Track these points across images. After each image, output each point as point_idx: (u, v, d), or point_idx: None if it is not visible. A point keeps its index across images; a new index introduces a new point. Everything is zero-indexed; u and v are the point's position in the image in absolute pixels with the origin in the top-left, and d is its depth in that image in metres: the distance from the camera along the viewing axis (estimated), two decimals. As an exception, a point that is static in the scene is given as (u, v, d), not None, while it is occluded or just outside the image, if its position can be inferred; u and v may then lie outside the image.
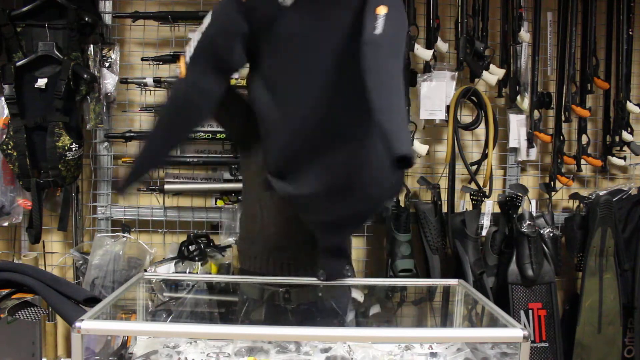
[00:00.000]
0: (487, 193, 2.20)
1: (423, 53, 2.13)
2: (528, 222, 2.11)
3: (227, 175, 2.21)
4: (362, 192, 1.22)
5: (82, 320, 1.01)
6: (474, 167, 2.27)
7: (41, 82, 1.99)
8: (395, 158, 0.95)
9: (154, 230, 2.24)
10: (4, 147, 1.98)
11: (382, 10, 1.08)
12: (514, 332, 1.04)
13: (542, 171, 2.41)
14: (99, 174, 2.21)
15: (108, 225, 2.20)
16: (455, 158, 2.21)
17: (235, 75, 2.05)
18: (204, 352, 1.29)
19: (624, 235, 2.24)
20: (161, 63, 2.13)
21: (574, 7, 2.23)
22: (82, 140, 2.06)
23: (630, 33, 2.29)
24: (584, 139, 2.33)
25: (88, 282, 1.99)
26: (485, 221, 2.22)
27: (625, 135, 2.32)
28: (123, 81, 2.13)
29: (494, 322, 1.19)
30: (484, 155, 2.25)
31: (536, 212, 2.22)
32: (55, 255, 2.24)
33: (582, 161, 2.35)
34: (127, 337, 1.33)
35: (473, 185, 2.23)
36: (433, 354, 1.31)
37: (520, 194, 2.15)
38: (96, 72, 2.07)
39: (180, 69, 1.23)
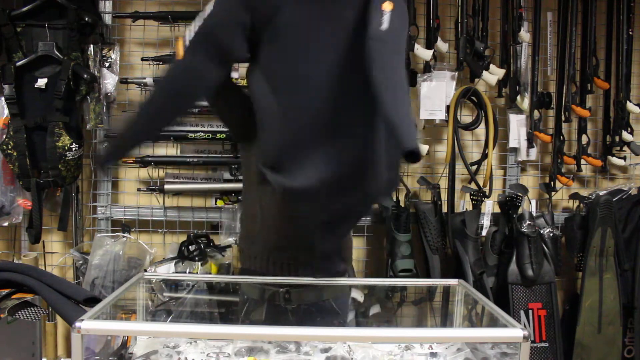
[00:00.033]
0: (487, 193, 2.20)
1: (423, 53, 2.13)
2: (528, 222, 2.11)
3: (227, 175, 2.21)
4: (359, 187, 1.22)
5: (82, 320, 1.01)
6: (474, 167, 2.27)
7: (41, 82, 1.99)
8: (405, 152, 0.97)
9: (154, 230, 2.24)
10: (4, 147, 1.98)
11: (388, 7, 1.09)
12: (514, 332, 1.04)
13: (542, 171, 2.41)
14: (99, 174, 2.21)
15: (108, 225, 2.19)
16: (455, 158, 2.21)
17: (235, 75, 2.06)
18: (204, 352, 1.29)
19: (624, 235, 2.24)
20: (161, 63, 2.13)
21: (574, 7, 2.23)
22: (82, 140, 2.06)
23: (630, 33, 2.29)
24: (584, 139, 2.33)
25: (88, 282, 1.99)
26: (485, 221, 2.22)
27: (625, 135, 2.32)
28: (123, 81, 2.13)
29: (494, 322, 1.19)
30: (484, 155, 2.25)
31: (536, 212, 2.22)
32: (55, 255, 2.24)
33: (582, 161, 2.35)
34: (127, 337, 1.33)
35: (473, 185, 2.23)
36: (433, 354, 1.31)
37: (520, 194, 2.15)
38: (96, 72, 2.07)
39: (177, 50, 1.22)
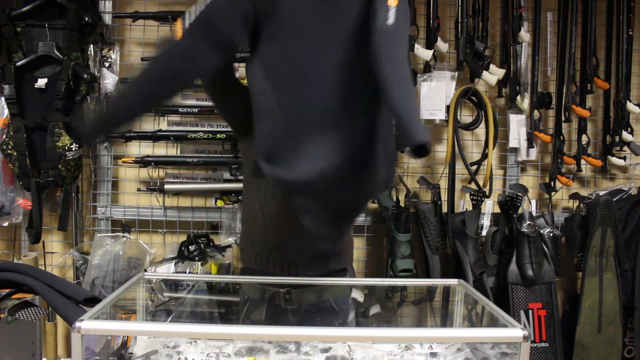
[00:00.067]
0: (487, 193, 2.20)
1: (423, 53, 2.13)
2: (528, 222, 2.11)
3: (227, 175, 2.21)
4: (355, 181, 1.21)
5: (82, 320, 1.01)
6: (474, 167, 2.27)
7: (41, 82, 1.99)
8: (414, 146, 0.98)
9: (154, 230, 2.24)
10: (4, 147, 1.98)
11: (393, 2, 1.10)
12: (514, 332, 1.04)
13: (542, 171, 2.41)
14: (99, 174, 2.21)
15: (108, 225, 2.19)
16: (455, 158, 2.21)
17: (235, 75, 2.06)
18: (204, 352, 1.29)
19: (624, 235, 2.24)
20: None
21: (574, 7, 2.23)
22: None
23: (630, 33, 2.29)
24: (584, 139, 2.33)
25: (88, 282, 1.99)
26: (485, 221, 2.22)
27: (625, 135, 2.32)
28: (123, 81, 2.13)
29: (494, 322, 1.19)
30: (484, 155, 2.25)
31: (536, 212, 2.22)
32: (55, 255, 2.24)
33: (582, 161, 2.35)
34: (127, 337, 1.33)
35: (473, 185, 2.23)
36: (433, 354, 1.31)
37: (520, 194, 2.15)
38: (96, 72, 2.07)
39: (176, 30, 1.20)
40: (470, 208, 2.21)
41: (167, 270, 2.01)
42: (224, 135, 2.14)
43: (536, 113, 2.29)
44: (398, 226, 2.10)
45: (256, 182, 1.46)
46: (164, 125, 2.19)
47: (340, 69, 1.17)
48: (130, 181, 2.26)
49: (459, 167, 2.24)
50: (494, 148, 2.25)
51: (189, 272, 2.01)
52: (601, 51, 2.32)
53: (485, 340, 1.29)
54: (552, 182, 2.31)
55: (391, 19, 1.08)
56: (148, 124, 2.22)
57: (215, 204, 2.21)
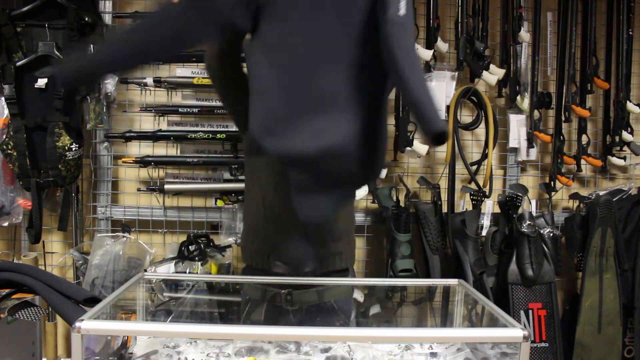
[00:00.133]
0: (487, 193, 2.20)
1: (423, 53, 2.12)
2: (528, 222, 2.11)
3: (227, 175, 2.21)
4: (354, 163, 1.19)
5: (82, 320, 1.01)
6: (474, 167, 2.27)
7: (41, 82, 1.99)
8: (436, 134, 0.99)
9: (154, 230, 2.24)
10: (4, 147, 1.98)
11: None
12: (514, 332, 1.04)
13: (542, 171, 2.41)
14: (99, 174, 2.21)
15: (108, 225, 2.19)
16: (455, 158, 2.22)
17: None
18: (204, 352, 1.29)
19: (624, 235, 2.24)
20: (161, 63, 2.13)
21: (574, 7, 2.23)
22: (82, 140, 2.06)
23: (630, 33, 2.30)
24: (584, 139, 2.33)
25: (88, 282, 1.99)
26: (485, 221, 2.22)
27: (625, 135, 2.32)
28: (123, 81, 2.13)
29: (494, 322, 1.19)
30: (484, 155, 2.25)
31: (536, 212, 2.22)
32: (55, 255, 2.24)
33: (582, 161, 2.35)
34: (127, 337, 1.33)
35: (473, 185, 2.23)
36: (433, 354, 1.31)
37: (520, 194, 2.15)
38: (96, 72, 2.06)
39: None
40: (470, 208, 2.21)
41: (167, 270, 2.01)
42: (224, 135, 2.14)
43: (536, 113, 2.29)
44: (398, 226, 2.10)
45: (257, 178, 1.46)
46: (164, 125, 2.19)
47: (344, 50, 1.16)
48: (130, 181, 2.26)
49: (459, 167, 2.24)
50: (494, 148, 2.25)
51: (189, 272, 2.01)
52: (601, 51, 2.32)
53: (485, 340, 1.29)
54: (552, 182, 2.31)
55: (402, 9, 1.09)
56: (148, 124, 2.22)
57: (215, 204, 2.21)
